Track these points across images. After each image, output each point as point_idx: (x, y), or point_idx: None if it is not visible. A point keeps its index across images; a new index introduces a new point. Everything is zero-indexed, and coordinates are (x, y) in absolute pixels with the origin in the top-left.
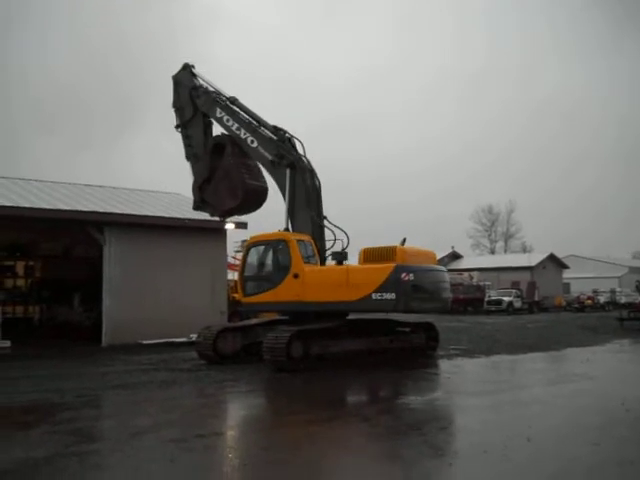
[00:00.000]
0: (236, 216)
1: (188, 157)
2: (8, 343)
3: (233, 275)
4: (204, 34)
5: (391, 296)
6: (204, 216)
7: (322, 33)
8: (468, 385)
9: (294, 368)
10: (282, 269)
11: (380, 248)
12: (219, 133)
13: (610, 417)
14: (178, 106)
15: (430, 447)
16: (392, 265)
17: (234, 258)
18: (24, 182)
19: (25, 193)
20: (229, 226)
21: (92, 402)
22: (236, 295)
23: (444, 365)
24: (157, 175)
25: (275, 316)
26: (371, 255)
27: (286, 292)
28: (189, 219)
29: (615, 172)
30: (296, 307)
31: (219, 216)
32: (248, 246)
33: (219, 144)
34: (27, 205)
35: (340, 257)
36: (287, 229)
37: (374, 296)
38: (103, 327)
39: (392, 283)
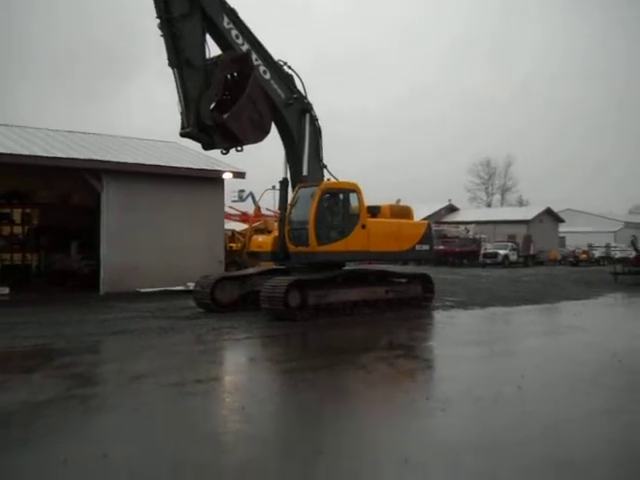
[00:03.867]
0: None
1: (174, 63)
2: (7, 290)
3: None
4: None
5: (427, 247)
6: (202, 165)
7: None
8: (462, 335)
9: (291, 317)
10: (353, 219)
11: (400, 206)
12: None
13: (602, 368)
14: None
15: (423, 394)
16: (426, 222)
17: (231, 208)
18: (21, 129)
19: (22, 140)
20: (227, 175)
21: (91, 347)
22: (233, 245)
23: (439, 316)
24: (156, 126)
25: (272, 266)
26: (395, 211)
27: (356, 242)
28: (187, 168)
29: (614, 126)
30: (364, 256)
31: (226, 148)
32: (321, 194)
33: (235, 60)
34: (25, 152)
35: (375, 210)
36: (288, 179)
37: (417, 247)
38: (101, 275)
39: (427, 237)
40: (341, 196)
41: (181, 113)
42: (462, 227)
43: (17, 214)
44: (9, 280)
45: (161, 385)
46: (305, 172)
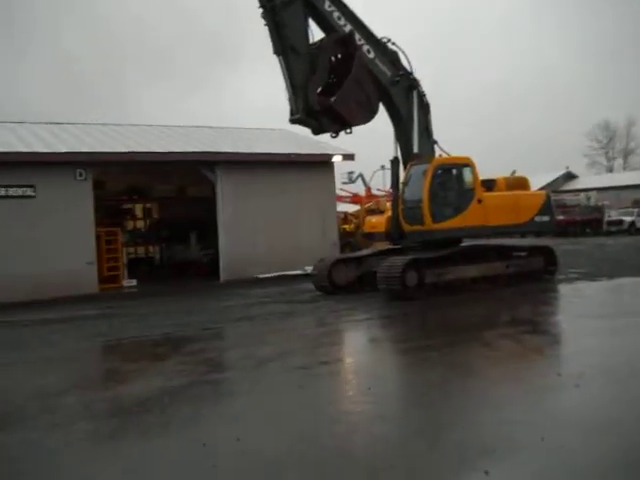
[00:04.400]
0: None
1: (280, 50)
2: (134, 282)
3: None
4: None
5: (547, 218)
6: (312, 150)
7: None
8: (590, 308)
9: (409, 296)
10: (468, 194)
11: (515, 177)
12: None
13: None
14: None
15: (554, 370)
16: (545, 192)
17: (342, 190)
18: (136, 128)
19: (138, 138)
20: (336, 158)
21: (218, 334)
22: (346, 227)
23: (564, 289)
24: (261, 114)
25: (387, 246)
26: (511, 183)
27: (472, 217)
28: (297, 154)
29: None
30: (482, 231)
31: (335, 131)
32: (434, 170)
33: (338, 42)
34: (141, 150)
35: (490, 184)
36: (398, 157)
37: (536, 219)
38: (220, 263)
39: (547, 207)
40: (454, 171)
41: (289, 100)
42: (582, 195)
43: (138, 209)
44: (135, 272)
45: (287, 368)
46: (416, 149)
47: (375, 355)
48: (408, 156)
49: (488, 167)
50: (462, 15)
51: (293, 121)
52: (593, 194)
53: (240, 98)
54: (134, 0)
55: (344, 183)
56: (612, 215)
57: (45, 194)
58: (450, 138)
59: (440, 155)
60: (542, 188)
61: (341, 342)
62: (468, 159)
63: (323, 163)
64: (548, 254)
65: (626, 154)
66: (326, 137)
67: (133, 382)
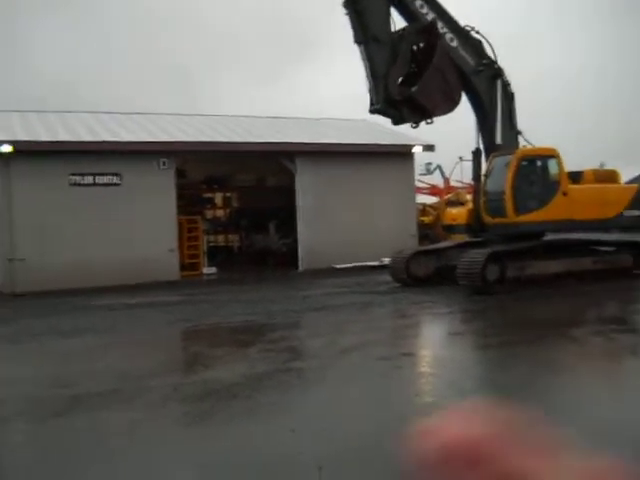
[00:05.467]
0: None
1: (361, 39)
2: (214, 269)
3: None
4: None
5: (638, 213)
6: (391, 140)
7: None
8: None
9: (490, 291)
10: (553, 186)
11: (604, 170)
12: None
13: None
14: None
15: None
16: (636, 186)
17: (420, 181)
18: (218, 117)
19: (219, 127)
20: (417, 149)
21: (299, 323)
22: (425, 219)
23: None
24: (338, 103)
25: (465, 238)
26: (600, 176)
27: (557, 210)
28: (377, 144)
29: None
30: (566, 225)
31: (416, 121)
32: (517, 162)
33: (420, 30)
34: (221, 139)
35: (577, 176)
36: (480, 149)
37: (626, 213)
38: (299, 253)
39: (638, 201)
40: (539, 163)
41: (369, 90)
42: None
43: (218, 198)
44: (215, 260)
45: (370, 358)
46: (499, 140)
47: (459, 349)
48: (491, 147)
49: (583, 159)
50: None
51: (373, 111)
52: None
53: (317, 88)
54: None
55: (422, 174)
56: None
57: (130, 182)
58: (539, 128)
59: (524, 146)
60: (631, 181)
61: (423, 334)
62: (553, 150)
63: (403, 154)
64: (638, 250)
65: None
66: (405, 128)
67: (219, 367)
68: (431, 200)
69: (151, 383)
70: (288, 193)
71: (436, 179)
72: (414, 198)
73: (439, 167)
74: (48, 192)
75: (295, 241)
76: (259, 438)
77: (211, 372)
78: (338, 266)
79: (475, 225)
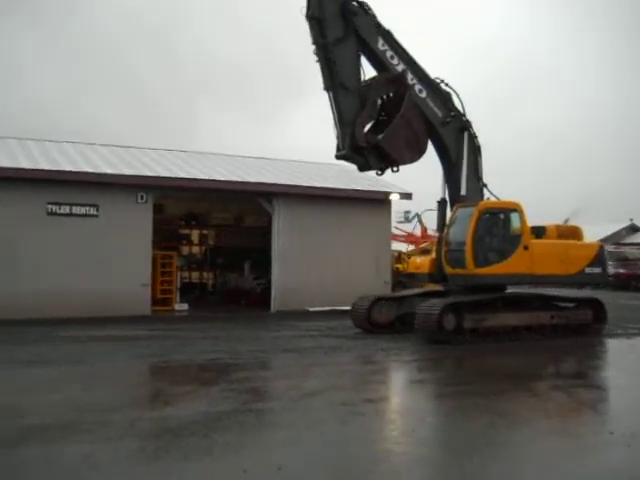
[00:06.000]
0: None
1: (330, 86)
2: (186, 306)
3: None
4: None
5: (598, 270)
6: (369, 187)
7: None
8: None
9: (446, 341)
10: (514, 240)
11: (567, 226)
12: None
13: None
14: (318, 17)
15: (606, 427)
16: (598, 243)
17: (397, 229)
18: (198, 154)
19: (200, 165)
20: (394, 196)
21: (265, 364)
22: (399, 266)
23: (618, 344)
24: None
25: (433, 287)
26: (562, 232)
27: (518, 264)
28: (355, 189)
29: None
30: (527, 279)
31: (382, 168)
32: (479, 214)
33: (390, 80)
34: (201, 177)
35: (541, 231)
36: (446, 199)
37: (587, 270)
38: (272, 293)
39: (599, 259)
40: (501, 216)
41: (337, 136)
42: None
43: (195, 235)
44: (188, 297)
45: (332, 403)
46: (464, 192)
47: (420, 397)
48: (456, 197)
49: (551, 214)
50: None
51: (339, 157)
52: None
53: (303, 131)
54: (209, 28)
55: (400, 222)
56: None
57: (107, 214)
58: (513, 183)
59: (488, 199)
60: (604, 239)
61: (386, 381)
62: (516, 204)
63: (380, 200)
64: (597, 307)
65: None
66: (387, 174)
67: (179, 404)
68: (408, 248)
69: (109, 417)
70: (265, 234)
71: (415, 227)
72: (389, 245)
73: (417, 215)
74: (24, 220)
75: (269, 282)
76: (211, 476)
77: (171, 409)
78: (311, 309)
79: (437, 274)
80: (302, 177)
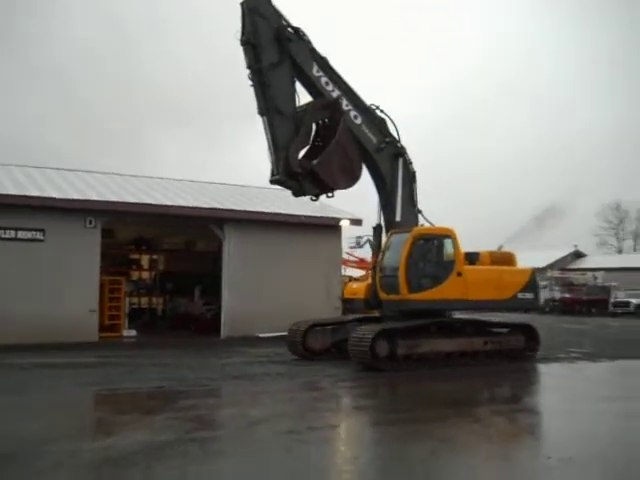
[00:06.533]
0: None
1: (264, 111)
2: (134, 332)
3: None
4: None
5: (531, 295)
6: (321, 213)
7: None
8: (588, 390)
9: (380, 367)
10: (448, 266)
11: (501, 252)
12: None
13: None
14: (253, 42)
15: (543, 451)
16: (530, 269)
17: (348, 254)
18: (148, 179)
19: (149, 190)
20: (344, 222)
21: (212, 391)
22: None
23: (560, 368)
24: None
25: (373, 313)
26: (496, 258)
27: (451, 290)
28: (306, 216)
29: None
30: (460, 305)
31: (316, 194)
32: (413, 240)
33: (325, 106)
34: (151, 202)
35: (475, 257)
36: (381, 224)
37: (520, 295)
38: (222, 319)
39: (532, 284)
40: (435, 242)
41: (271, 161)
42: (590, 274)
43: (145, 259)
44: (136, 323)
45: (276, 431)
46: (398, 218)
47: (365, 424)
48: (390, 224)
49: (488, 239)
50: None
51: (273, 181)
52: (600, 274)
53: (254, 155)
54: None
55: (352, 247)
56: (619, 296)
57: (54, 239)
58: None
59: (422, 225)
60: (550, 265)
61: (331, 407)
62: (450, 230)
63: (331, 226)
64: (530, 332)
65: (636, 236)
66: (337, 199)
67: (121, 434)
68: (359, 273)
69: (47, 448)
70: (215, 259)
71: (366, 253)
72: (340, 270)
73: (369, 240)
74: None
75: (220, 308)
76: None
77: (113, 439)
78: (262, 335)
79: (372, 300)
80: (253, 202)
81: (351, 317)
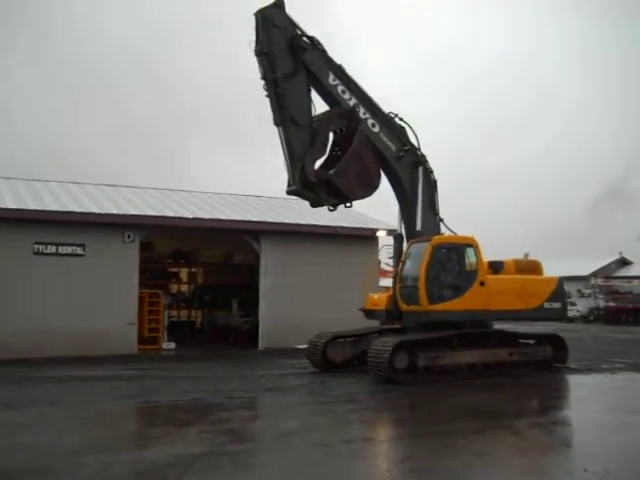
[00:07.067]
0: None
1: (280, 122)
2: (173, 345)
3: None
4: None
5: (558, 305)
6: (357, 224)
7: None
8: (627, 402)
9: (398, 380)
10: (470, 275)
11: (527, 261)
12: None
13: None
14: (267, 52)
15: (580, 464)
16: (557, 277)
17: (387, 264)
18: (185, 193)
19: (187, 204)
20: (380, 233)
21: (247, 404)
22: None
23: (601, 380)
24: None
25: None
26: (521, 267)
27: (473, 300)
28: (342, 227)
29: None
30: (483, 316)
31: (334, 204)
32: (432, 249)
33: (341, 115)
34: (188, 215)
35: (499, 266)
36: (401, 233)
37: (546, 305)
38: (260, 331)
39: (558, 294)
40: (455, 251)
41: (287, 171)
42: (636, 282)
43: (183, 273)
44: (175, 335)
45: (309, 444)
46: (419, 227)
47: (399, 436)
48: (411, 233)
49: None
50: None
51: (290, 192)
52: None
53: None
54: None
55: (391, 257)
56: None
57: (94, 253)
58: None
59: (443, 234)
60: (594, 274)
61: (366, 420)
62: (471, 239)
63: (367, 237)
64: (557, 343)
65: None
66: (373, 210)
67: (154, 447)
68: None
69: (82, 460)
70: (253, 271)
71: None
72: (377, 281)
73: None
74: (11, 259)
75: (257, 319)
76: None
77: (145, 451)
78: (299, 346)
79: (393, 311)
80: (289, 214)
81: (371, 328)
